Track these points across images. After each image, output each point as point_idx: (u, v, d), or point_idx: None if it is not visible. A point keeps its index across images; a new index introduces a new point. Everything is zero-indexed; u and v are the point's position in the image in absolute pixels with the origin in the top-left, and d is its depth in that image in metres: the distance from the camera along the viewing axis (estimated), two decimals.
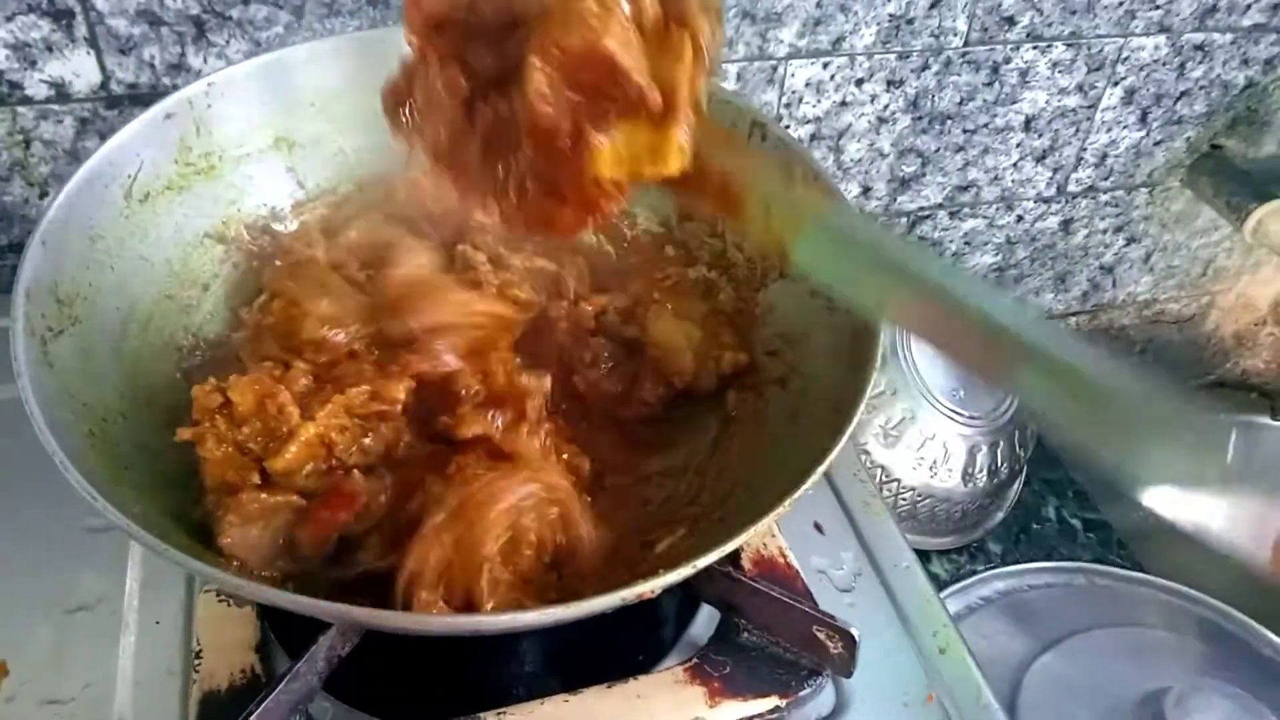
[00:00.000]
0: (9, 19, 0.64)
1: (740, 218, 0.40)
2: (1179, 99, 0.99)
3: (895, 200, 0.97)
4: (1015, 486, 0.98)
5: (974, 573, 0.90)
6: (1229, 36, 0.96)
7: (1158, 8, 0.91)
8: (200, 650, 0.51)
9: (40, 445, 0.39)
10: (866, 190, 0.95)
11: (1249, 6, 0.94)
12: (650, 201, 0.62)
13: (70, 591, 0.54)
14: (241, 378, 0.47)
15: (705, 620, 0.56)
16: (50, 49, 0.66)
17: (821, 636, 0.51)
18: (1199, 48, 0.96)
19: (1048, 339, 0.33)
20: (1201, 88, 0.99)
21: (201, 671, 0.50)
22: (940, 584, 0.62)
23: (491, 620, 0.40)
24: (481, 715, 0.49)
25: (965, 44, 0.88)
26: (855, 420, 0.45)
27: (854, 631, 0.51)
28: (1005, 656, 0.84)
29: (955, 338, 0.36)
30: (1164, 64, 0.96)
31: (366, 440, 0.48)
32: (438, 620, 0.41)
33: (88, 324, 0.47)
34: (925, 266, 0.37)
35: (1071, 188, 1.03)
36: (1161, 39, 0.94)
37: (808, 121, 0.88)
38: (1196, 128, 1.02)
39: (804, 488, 0.42)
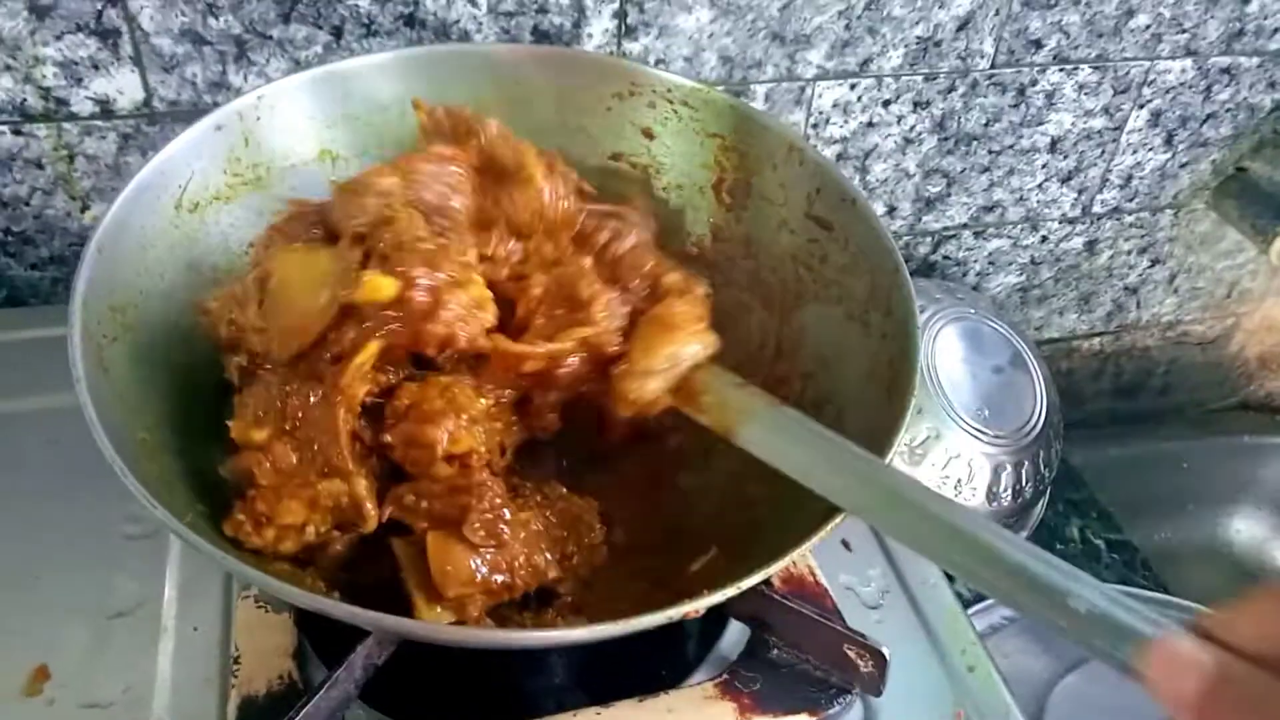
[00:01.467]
0: (58, 38, 0.66)
1: (694, 406, 0.47)
2: (1205, 121, 1.00)
3: (920, 220, 0.98)
4: (1039, 507, 0.98)
5: None
6: (1256, 60, 0.96)
7: (1184, 31, 0.92)
8: (239, 656, 0.51)
9: (78, 453, 0.40)
10: (892, 210, 0.96)
11: (1276, 30, 0.95)
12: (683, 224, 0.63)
13: (109, 597, 0.55)
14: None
15: (733, 637, 0.57)
16: (96, 67, 0.67)
17: (852, 655, 0.52)
18: (1225, 71, 0.96)
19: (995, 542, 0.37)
20: (1228, 110, 0.99)
21: (240, 677, 0.50)
22: (964, 603, 0.62)
23: (538, 636, 0.40)
24: None
25: (992, 66, 0.88)
26: (896, 446, 0.45)
27: (885, 651, 0.51)
28: (1030, 677, 0.84)
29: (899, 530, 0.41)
30: (1190, 87, 0.96)
31: None
32: (482, 634, 0.42)
33: (139, 331, 0.48)
34: (856, 461, 0.43)
35: (1096, 209, 1.04)
36: (1188, 62, 0.94)
37: (834, 142, 0.89)
38: (1222, 150, 1.03)
39: (845, 514, 0.42)
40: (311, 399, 0.44)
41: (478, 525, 0.42)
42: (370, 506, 0.44)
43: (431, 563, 0.43)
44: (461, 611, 0.43)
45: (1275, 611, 0.30)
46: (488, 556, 0.42)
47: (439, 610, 0.43)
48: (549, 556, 0.45)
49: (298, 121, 0.58)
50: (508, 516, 0.44)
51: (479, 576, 0.42)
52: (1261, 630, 0.29)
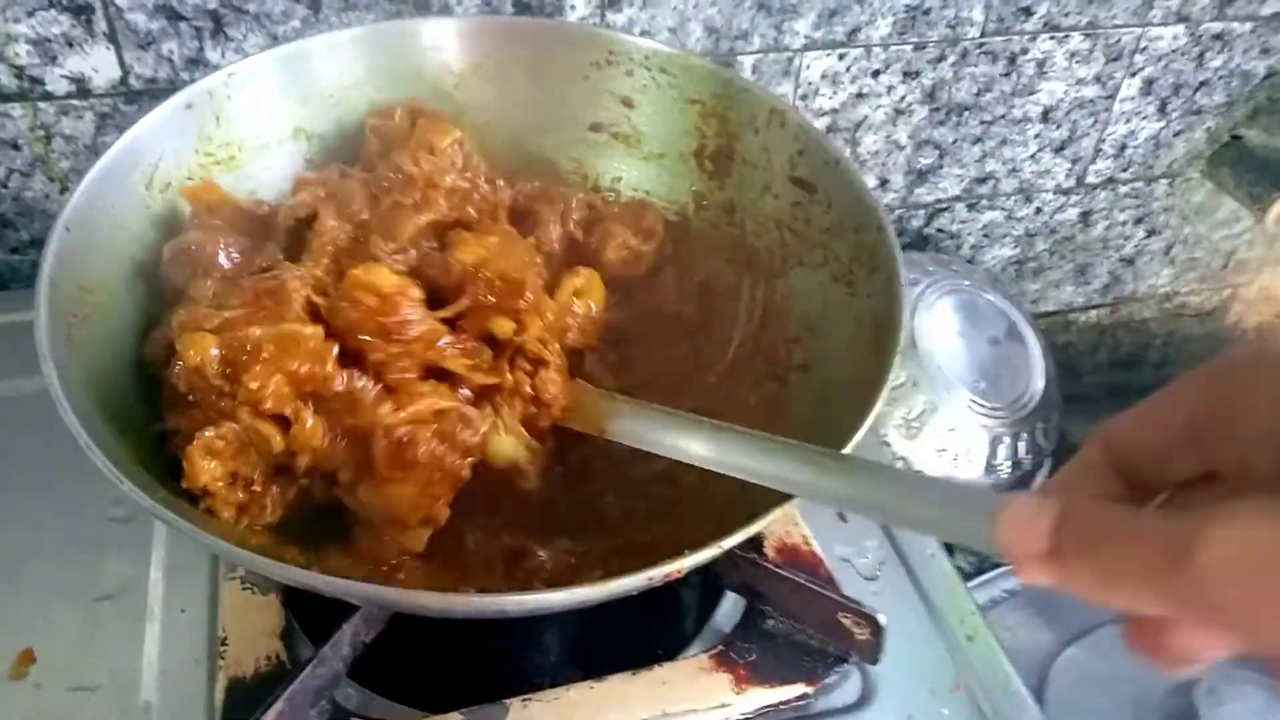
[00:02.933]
0: (30, 14, 0.65)
1: (571, 418, 0.50)
2: (1198, 89, 0.99)
3: (912, 193, 0.97)
4: (1039, 478, 0.97)
5: (997, 566, 0.89)
6: (1249, 25, 0.95)
7: None
8: (225, 638, 0.51)
9: (62, 436, 0.39)
10: (884, 182, 0.95)
11: None
12: (665, 193, 0.62)
13: (95, 580, 0.55)
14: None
15: (728, 610, 0.56)
16: (71, 44, 0.66)
17: (847, 623, 0.51)
18: (1218, 37, 0.95)
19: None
20: (1221, 77, 0.98)
21: (227, 659, 0.50)
22: (964, 577, 0.61)
23: (518, 600, 0.39)
24: (506, 702, 0.49)
25: (982, 34, 0.87)
26: (879, 403, 0.44)
27: (880, 618, 0.50)
28: (1031, 650, 0.83)
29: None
30: (1183, 54, 0.95)
31: None
32: (461, 600, 0.41)
33: (110, 311, 0.48)
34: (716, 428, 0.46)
35: (1090, 179, 1.03)
36: (1180, 28, 0.93)
37: (824, 114, 0.88)
38: (1216, 118, 1.02)
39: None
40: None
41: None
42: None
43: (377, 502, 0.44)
44: (430, 509, 0.45)
45: (1100, 460, 0.30)
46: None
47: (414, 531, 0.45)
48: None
49: (270, 99, 0.57)
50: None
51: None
52: (1088, 476, 0.30)
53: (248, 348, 0.44)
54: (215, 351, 0.44)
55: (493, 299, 0.49)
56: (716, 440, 0.45)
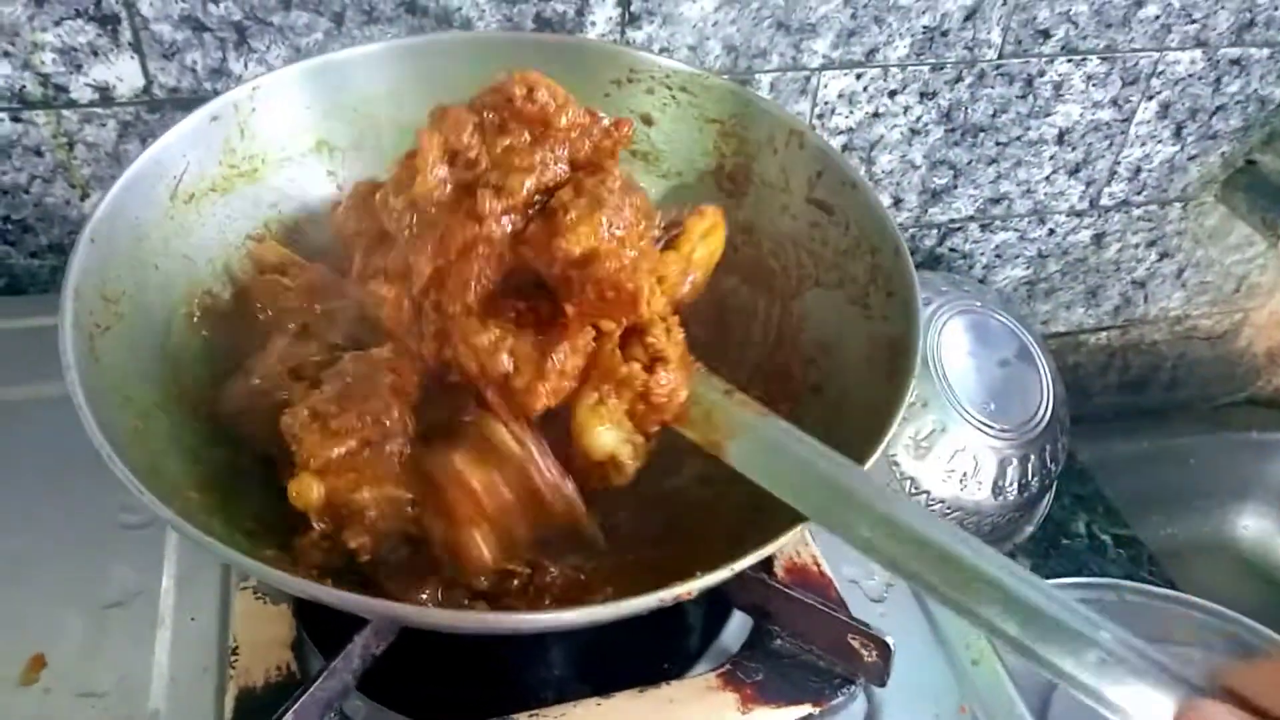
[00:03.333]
0: (57, 23, 0.65)
1: (683, 422, 0.46)
2: (1214, 114, 0.99)
3: (926, 212, 0.97)
4: (1045, 501, 0.97)
5: None
6: (1266, 51, 0.95)
7: (1194, 22, 0.91)
8: (236, 647, 0.51)
9: (75, 442, 0.39)
10: (898, 202, 0.95)
11: None
12: None
13: (106, 587, 0.55)
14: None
15: (736, 629, 0.56)
16: (96, 53, 0.67)
17: (856, 644, 0.51)
18: (1235, 62, 0.95)
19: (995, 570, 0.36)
20: (1238, 102, 0.98)
21: (237, 668, 0.50)
22: None
23: (529, 619, 0.40)
24: (514, 717, 0.49)
25: (999, 56, 0.88)
26: (893, 428, 0.45)
27: (889, 640, 0.50)
28: (1034, 671, 0.83)
29: (885, 555, 0.39)
30: (1199, 78, 0.95)
31: None
32: (472, 617, 0.41)
33: (132, 321, 0.48)
34: (852, 483, 0.41)
35: (1104, 201, 1.03)
36: (1197, 53, 0.93)
37: (840, 133, 0.88)
38: (1232, 143, 1.02)
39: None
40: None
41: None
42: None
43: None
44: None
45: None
46: None
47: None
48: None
49: (294, 112, 0.57)
50: None
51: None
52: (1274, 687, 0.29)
53: (351, 507, 0.44)
54: (319, 493, 0.44)
55: (601, 307, 0.44)
56: (881, 509, 0.39)
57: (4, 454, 0.61)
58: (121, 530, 0.57)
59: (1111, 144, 0.98)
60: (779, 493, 0.42)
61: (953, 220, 0.99)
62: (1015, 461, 0.88)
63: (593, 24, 0.75)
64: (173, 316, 0.51)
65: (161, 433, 0.46)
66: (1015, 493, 0.88)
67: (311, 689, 0.46)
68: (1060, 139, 0.96)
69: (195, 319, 0.52)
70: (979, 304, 0.92)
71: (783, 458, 0.43)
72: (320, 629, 0.52)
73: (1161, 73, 0.94)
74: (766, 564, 0.57)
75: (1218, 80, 0.96)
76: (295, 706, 0.46)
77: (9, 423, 0.62)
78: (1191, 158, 1.02)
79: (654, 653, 0.55)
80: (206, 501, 0.46)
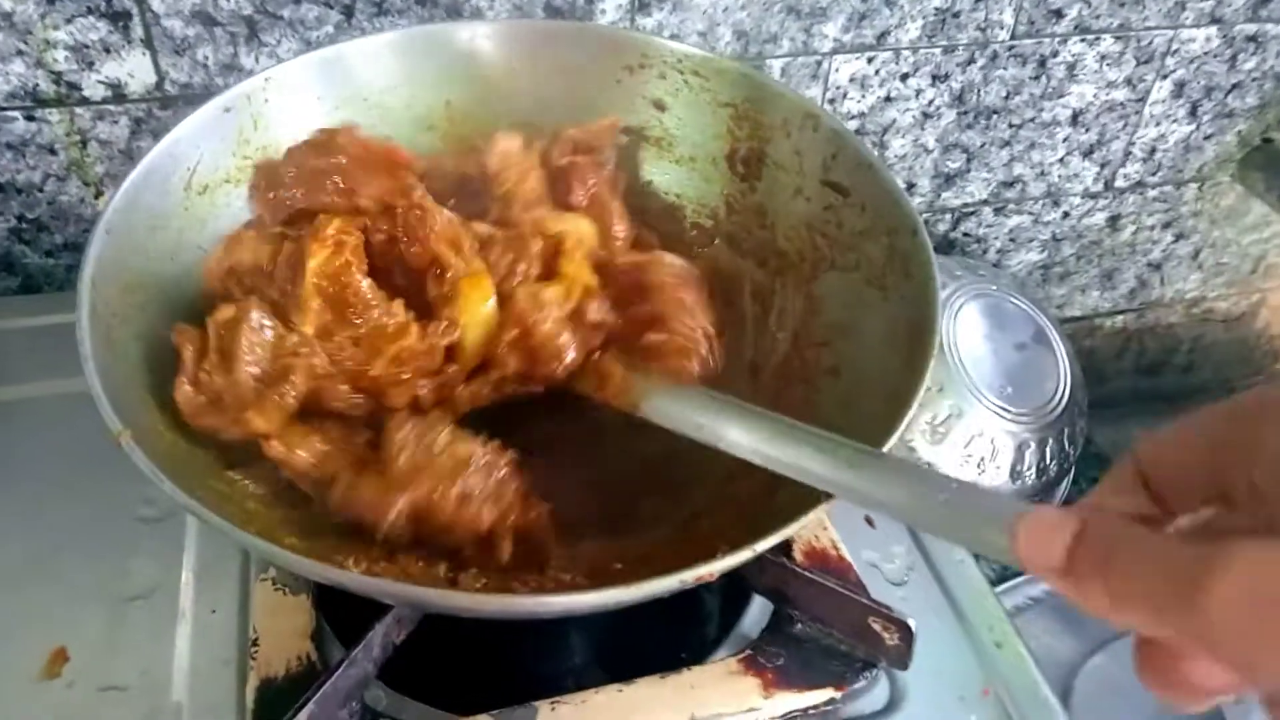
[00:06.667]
0: (69, 21, 0.65)
1: (605, 389, 0.50)
2: (1230, 92, 0.98)
3: (939, 197, 0.97)
4: (1064, 485, 0.97)
5: (1022, 573, 0.88)
6: None
7: None
8: (256, 638, 0.51)
9: (94, 436, 0.40)
10: (911, 186, 0.95)
11: None
12: (696, 196, 0.62)
13: (126, 581, 0.55)
14: None
15: (756, 614, 0.56)
16: (108, 50, 0.67)
17: (877, 628, 0.51)
18: (1251, 39, 0.94)
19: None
20: (1254, 80, 0.97)
21: (258, 659, 0.50)
22: (991, 581, 0.61)
23: (549, 601, 0.40)
24: (535, 704, 0.49)
25: (1012, 37, 0.87)
26: (912, 411, 0.44)
27: (910, 622, 0.50)
28: (1055, 657, 0.83)
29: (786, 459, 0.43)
30: (1215, 56, 0.94)
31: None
32: (494, 601, 0.41)
33: (149, 313, 0.48)
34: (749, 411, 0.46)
35: (1119, 183, 1.02)
36: (1213, 30, 0.92)
37: (852, 117, 0.87)
38: (1248, 121, 1.01)
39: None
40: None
41: None
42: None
43: None
44: None
45: (1130, 477, 0.31)
46: None
47: None
48: None
49: (306, 103, 0.57)
50: None
51: None
52: (1119, 491, 0.31)
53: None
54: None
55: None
56: (744, 424, 0.44)
57: (23, 451, 0.61)
58: (141, 524, 0.58)
59: (1126, 124, 0.97)
60: (689, 434, 0.46)
61: (966, 204, 0.98)
62: (1033, 445, 0.88)
63: (603, 11, 0.75)
64: (190, 307, 0.50)
65: (179, 421, 0.46)
66: (1033, 477, 0.88)
67: (332, 679, 0.46)
68: (1074, 120, 0.95)
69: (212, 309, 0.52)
70: (994, 288, 0.91)
71: (687, 407, 0.47)
72: (340, 619, 0.52)
73: (1176, 51, 0.93)
74: (785, 548, 0.57)
75: (1233, 58, 0.95)
76: (316, 696, 0.46)
77: (26, 420, 0.62)
78: (1207, 137, 1.01)
79: (675, 639, 0.55)
80: (226, 490, 0.46)
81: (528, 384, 0.51)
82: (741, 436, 0.44)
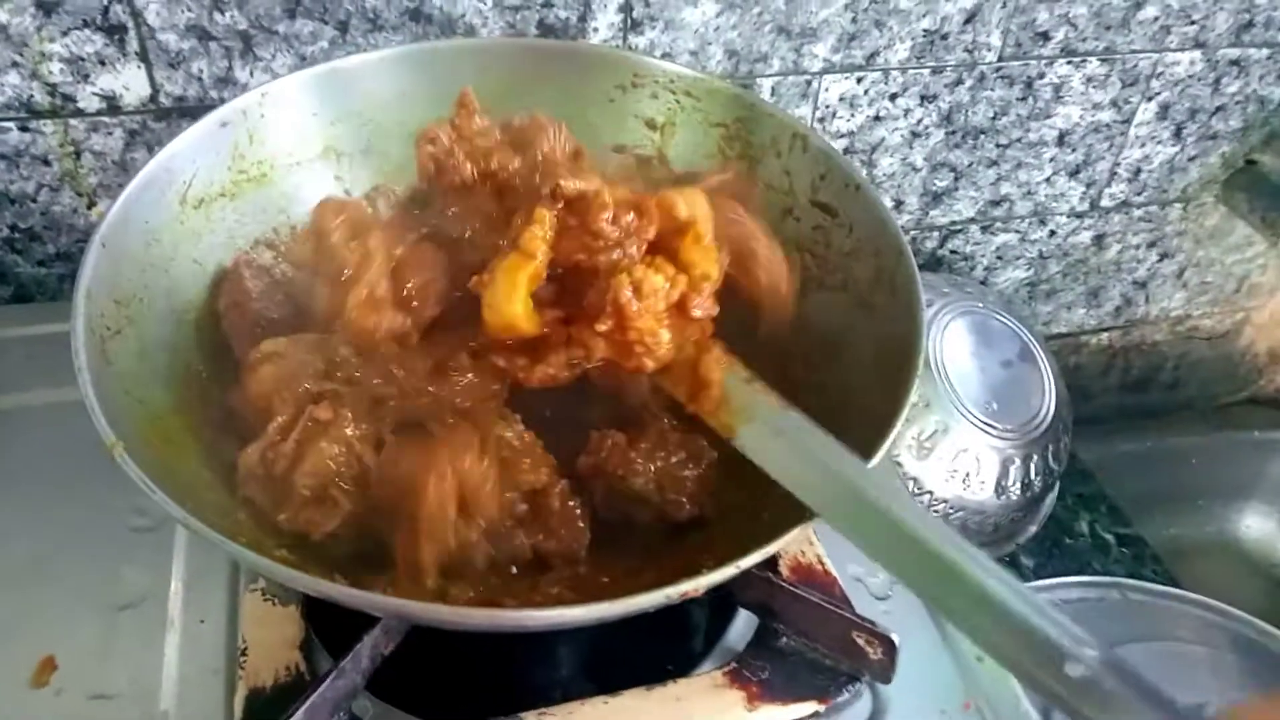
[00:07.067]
0: (64, 33, 0.66)
1: (700, 400, 0.46)
2: (1214, 114, 0.99)
3: (927, 214, 0.98)
4: (1048, 500, 0.98)
5: None
6: (1265, 51, 0.96)
7: (1193, 23, 0.91)
8: (245, 648, 0.51)
9: (85, 446, 0.40)
10: (899, 204, 0.96)
11: None
12: None
13: (116, 589, 0.55)
14: None
15: (741, 627, 0.56)
16: (103, 63, 0.68)
17: (861, 642, 0.52)
18: (1234, 63, 0.96)
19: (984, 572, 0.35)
20: (1237, 103, 0.99)
21: (246, 669, 0.50)
22: None
23: (536, 615, 0.40)
24: (522, 715, 0.50)
25: (999, 59, 0.88)
26: (897, 428, 0.45)
27: (894, 637, 0.51)
28: None
29: (889, 557, 0.39)
30: (1199, 79, 0.96)
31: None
32: (481, 614, 0.42)
33: (143, 325, 0.49)
34: (861, 480, 0.40)
35: (1105, 203, 1.03)
36: (1197, 54, 0.94)
37: (841, 136, 0.89)
38: (1232, 143, 1.02)
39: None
40: None
41: None
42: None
43: None
44: None
45: None
46: None
47: None
48: None
49: (301, 119, 0.58)
50: None
51: None
52: None
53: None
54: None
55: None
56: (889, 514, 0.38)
57: (14, 459, 0.61)
58: (131, 533, 0.58)
59: (1111, 145, 0.98)
60: (786, 483, 0.42)
61: (954, 222, 0.99)
62: (1018, 461, 0.88)
63: (595, 30, 0.76)
64: (183, 320, 0.51)
65: (173, 434, 0.47)
66: (1018, 493, 0.89)
67: (321, 689, 0.47)
68: (1060, 140, 0.96)
69: (206, 323, 0.52)
70: (981, 305, 0.92)
71: (793, 448, 0.43)
72: (329, 629, 0.53)
73: (1161, 74, 0.94)
74: (771, 563, 0.57)
75: (1217, 81, 0.97)
76: (304, 707, 0.46)
77: (19, 428, 0.63)
78: (1191, 158, 1.02)
79: (661, 652, 0.55)
80: (218, 501, 0.46)
81: (607, 376, 0.48)
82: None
